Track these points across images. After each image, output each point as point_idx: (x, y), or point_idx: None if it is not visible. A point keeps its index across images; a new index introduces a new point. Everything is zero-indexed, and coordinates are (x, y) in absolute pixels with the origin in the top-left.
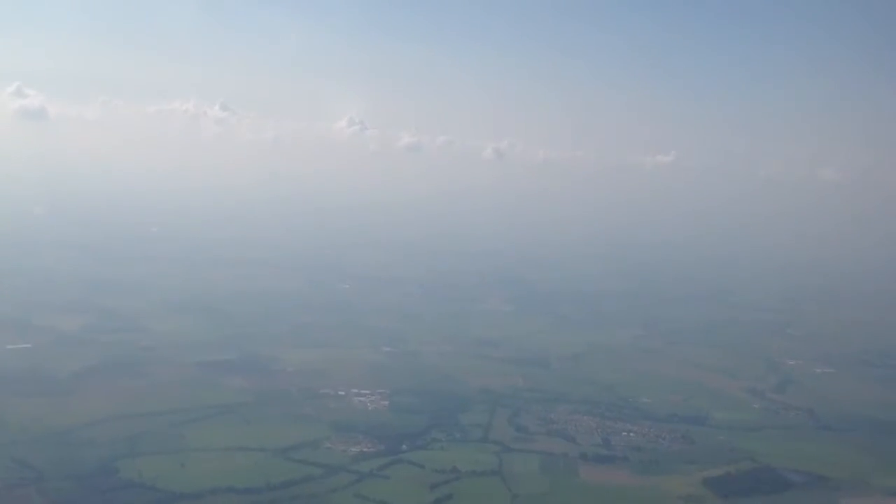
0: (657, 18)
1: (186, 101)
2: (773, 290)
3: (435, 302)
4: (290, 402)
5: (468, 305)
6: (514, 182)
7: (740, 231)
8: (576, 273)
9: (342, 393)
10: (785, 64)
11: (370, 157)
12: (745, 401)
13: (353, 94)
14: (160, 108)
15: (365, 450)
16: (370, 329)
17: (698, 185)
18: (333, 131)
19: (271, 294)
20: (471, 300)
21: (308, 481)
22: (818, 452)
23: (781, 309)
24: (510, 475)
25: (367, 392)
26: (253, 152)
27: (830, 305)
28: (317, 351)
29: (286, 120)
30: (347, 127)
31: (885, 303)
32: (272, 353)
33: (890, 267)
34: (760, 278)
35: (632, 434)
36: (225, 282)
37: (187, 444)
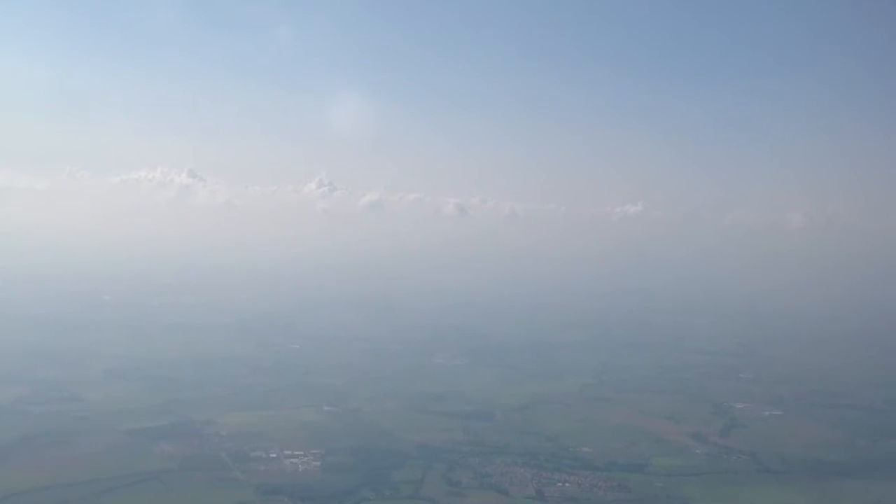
0: (625, 73)
1: (153, 170)
2: (732, 334)
3: (386, 359)
4: (217, 467)
5: (420, 361)
6: (481, 236)
7: (705, 277)
8: (535, 324)
9: (274, 455)
10: (751, 112)
11: (336, 217)
12: (687, 446)
13: (323, 155)
14: (126, 178)
15: None
16: (314, 388)
17: (666, 233)
18: (302, 194)
19: (217, 358)
20: (423, 355)
21: None
22: (755, 496)
23: (737, 353)
24: None
25: (300, 453)
26: (219, 218)
27: (787, 349)
28: (255, 413)
29: (255, 184)
30: (317, 189)
31: (842, 345)
32: (208, 417)
33: (852, 311)
34: (720, 324)
35: (567, 484)
36: (171, 347)
37: None
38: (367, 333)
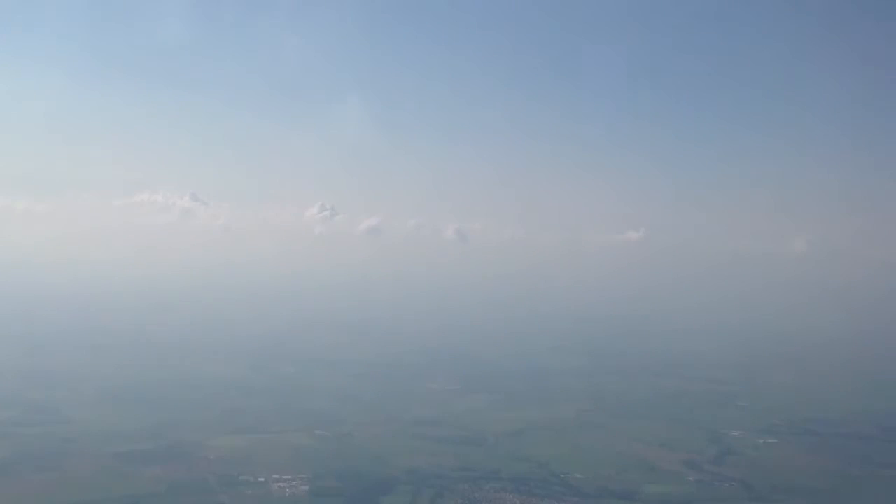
0: (626, 100)
1: (155, 193)
2: (729, 361)
3: (380, 382)
4: (204, 491)
5: (413, 385)
6: (481, 262)
7: (705, 303)
8: (530, 349)
9: (262, 479)
10: (756, 139)
11: (336, 241)
12: (680, 473)
13: (327, 180)
14: (129, 201)
15: None
16: (307, 412)
17: (668, 259)
18: (304, 218)
19: (209, 380)
20: (417, 379)
21: None
22: None
23: (734, 380)
24: None
25: (289, 477)
26: (220, 241)
27: (784, 376)
28: (245, 437)
29: (258, 208)
30: (318, 213)
31: (840, 372)
32: (197, 440)
33: (850, 337)
34: (718, 350)
35: None
36: (163, 369)
37: None
38: (362, 357)
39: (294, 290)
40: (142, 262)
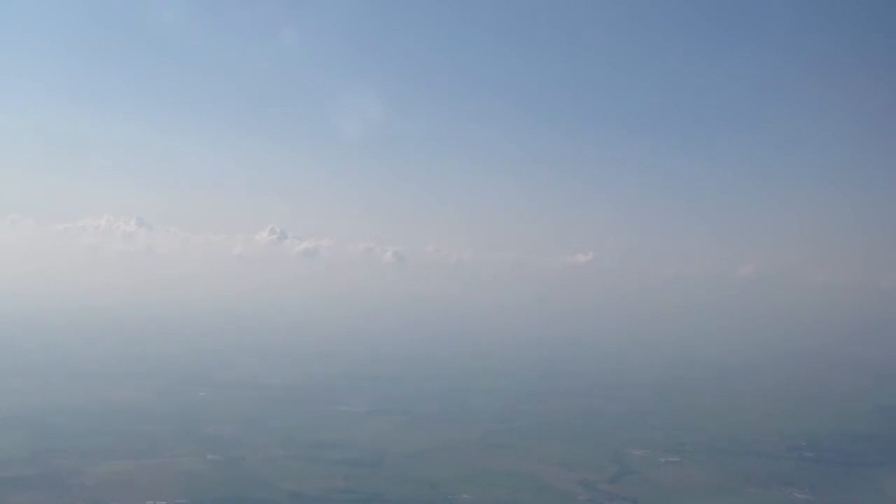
0: (579, 125)
1: (98, 218)
2: (654, 383)
3: (291, 406)
4: None
5: (325, 408)
6: (428, 284)
7: (644, 327)
8: (457, 372)
9: None
10: (705, 165)
11: (278, 265)
12: (572, 493)
13: (278, 204)
14: (71, 226)
15: None
16: (204, 436)
17: (614, 282)
18: (253, 242)
19: (112, 404)
20: (331, 402)
21: None
22: None
23: (651, 400)
24: None
25: (163, 503)
26: (154, 265)
27: (705, 397)
28: (131, 462)
29: (209, 233)
30: (268, 237)
31: (763, 394)
32: (79, 466)
33: (780, 361)
34: (644, 371)
35: None
36: (71, 396)
37: None
38: (284, 380)
39: (228, 315)
40: (70, 287)
